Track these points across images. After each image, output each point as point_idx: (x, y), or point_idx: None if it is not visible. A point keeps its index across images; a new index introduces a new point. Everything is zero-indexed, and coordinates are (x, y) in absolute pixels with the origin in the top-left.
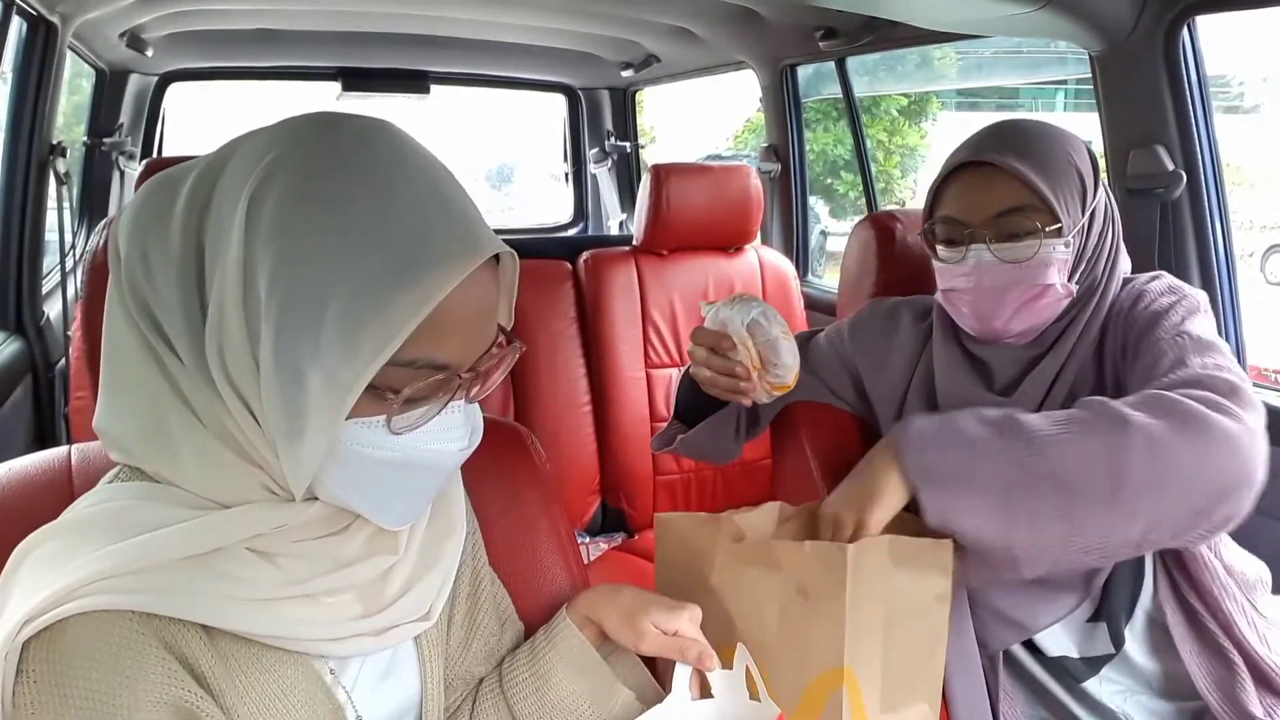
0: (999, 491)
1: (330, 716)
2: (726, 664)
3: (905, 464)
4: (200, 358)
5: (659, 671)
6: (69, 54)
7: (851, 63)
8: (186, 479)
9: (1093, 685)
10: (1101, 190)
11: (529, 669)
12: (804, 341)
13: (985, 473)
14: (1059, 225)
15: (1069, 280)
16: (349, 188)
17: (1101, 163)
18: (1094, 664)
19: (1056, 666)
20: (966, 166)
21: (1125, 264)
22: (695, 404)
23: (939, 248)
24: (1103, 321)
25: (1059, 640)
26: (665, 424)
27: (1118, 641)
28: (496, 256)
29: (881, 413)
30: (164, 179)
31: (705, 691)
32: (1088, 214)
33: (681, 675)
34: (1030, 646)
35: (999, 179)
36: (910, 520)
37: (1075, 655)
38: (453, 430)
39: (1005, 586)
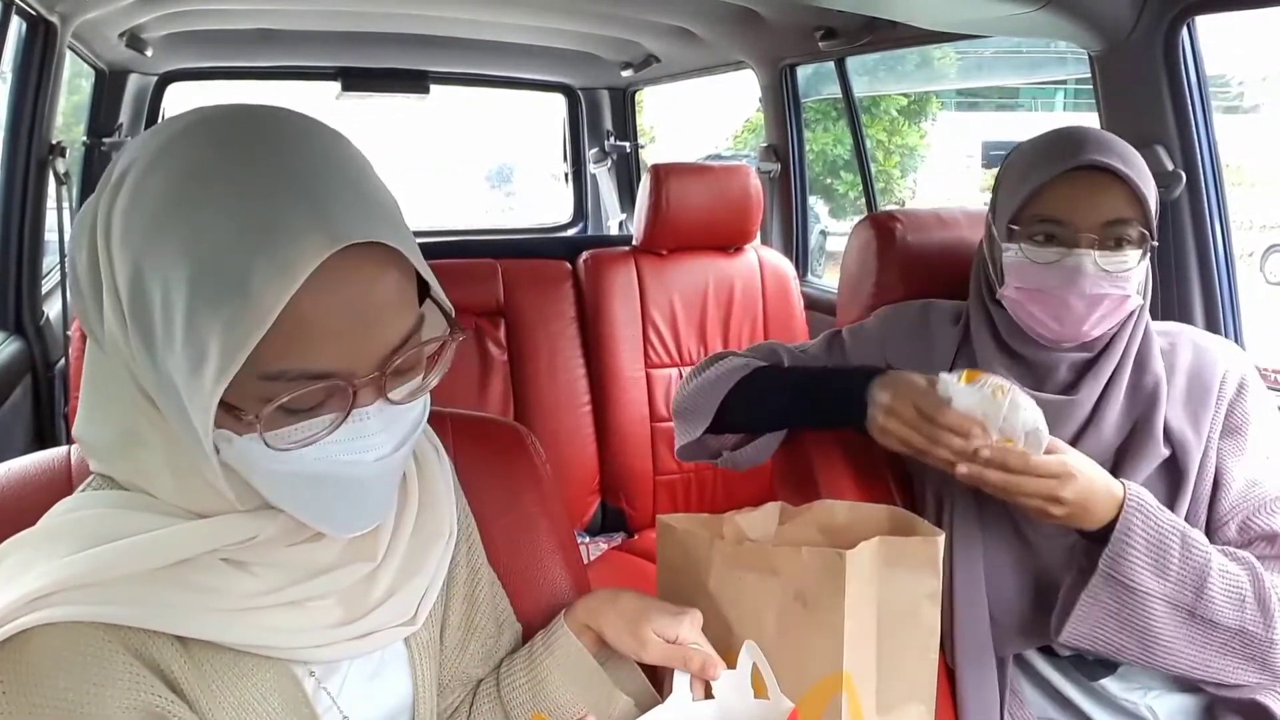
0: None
1: None
2: (729, 665)
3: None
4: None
5: (658, 675)
6: (69, 54)
7: (851, 62)
8: (160, 488)
9: (1108, 682)
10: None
11: (526, 674)
12: (823, 352)
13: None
14: (1152, 241)
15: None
16: (183, 178)
17: None
18: (1110, 665)
19: (1068, 666)
20: (1079, 168)
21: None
22: (744, 412)
23: (1026, 245)
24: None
25: None
26: (666, 424)
27: None
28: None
29: None
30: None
31: (707, 692)
32: (1155, 223)
33: (682, 675)
34: (1042, 647)
35: (1113, 187)
36: (902, 516)
37: (1090, 656)
38: (366, 439)
39: (1027, 602)
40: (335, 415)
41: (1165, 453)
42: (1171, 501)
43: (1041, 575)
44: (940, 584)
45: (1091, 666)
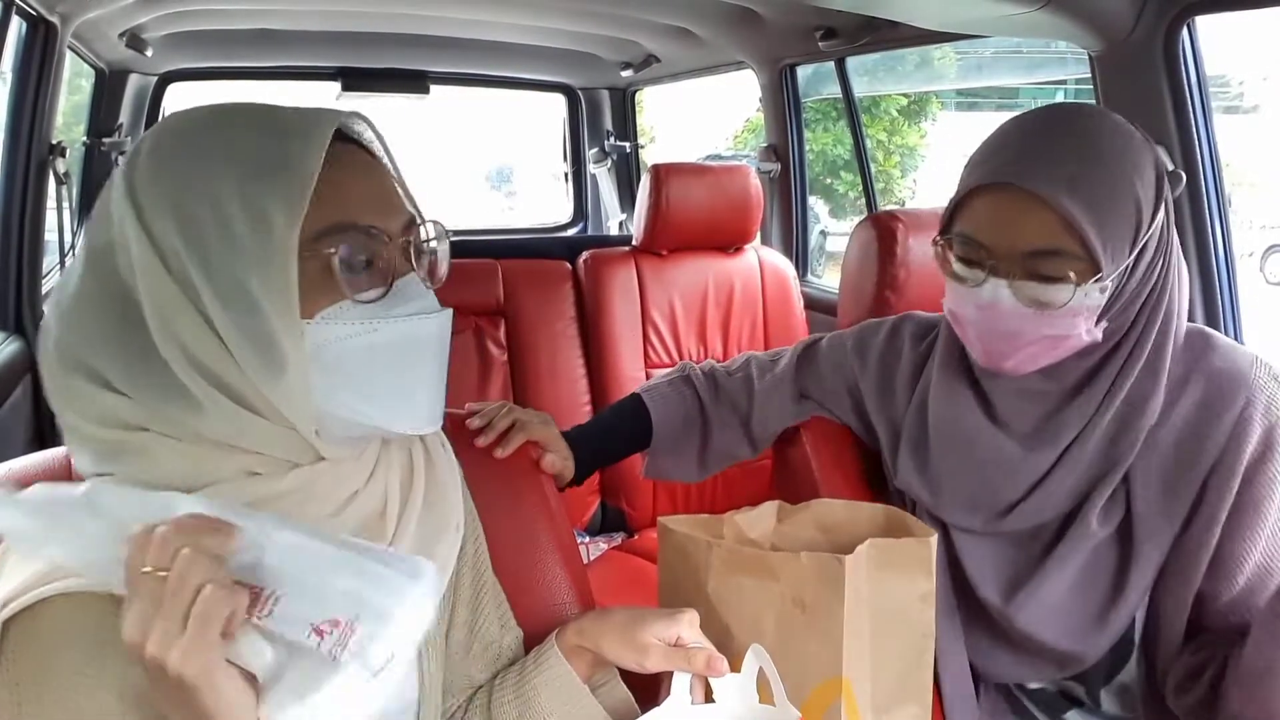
0: None
1: None
2: (733, 669)
3: None
4: (140, 377)
5: (656, 697)
6: (69, 54)
7: (851, 63)
8: (165, 469)
9: (1073, 715)
10: (1162, 213)
11: (515, 691)
12: (805, 359)
13: None
14: (1099, 275)
15: (1097, 324)
16: (197, 128)
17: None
18: (1074, 701)
19: (1036, 697)
20: (1004, 184)
21: (1183, 294)
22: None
23: (954, 264)
24: (1173, 370)
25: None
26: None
27: (1095, 700)
28: (359, 144)
29: (883, 438)
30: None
31: (708, 695)
32: (1136, 251)
33: (680, 677)
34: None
35: (1037, 210)
36: (896, 515)
37: (1052, 690)
38: (418, 300)
39: (991, 652)
40: (379, 271)
41: (1101, 533)
42: (1123, 581)
43: (988, 623)
44: (933, 585)
45: (1052, 699)
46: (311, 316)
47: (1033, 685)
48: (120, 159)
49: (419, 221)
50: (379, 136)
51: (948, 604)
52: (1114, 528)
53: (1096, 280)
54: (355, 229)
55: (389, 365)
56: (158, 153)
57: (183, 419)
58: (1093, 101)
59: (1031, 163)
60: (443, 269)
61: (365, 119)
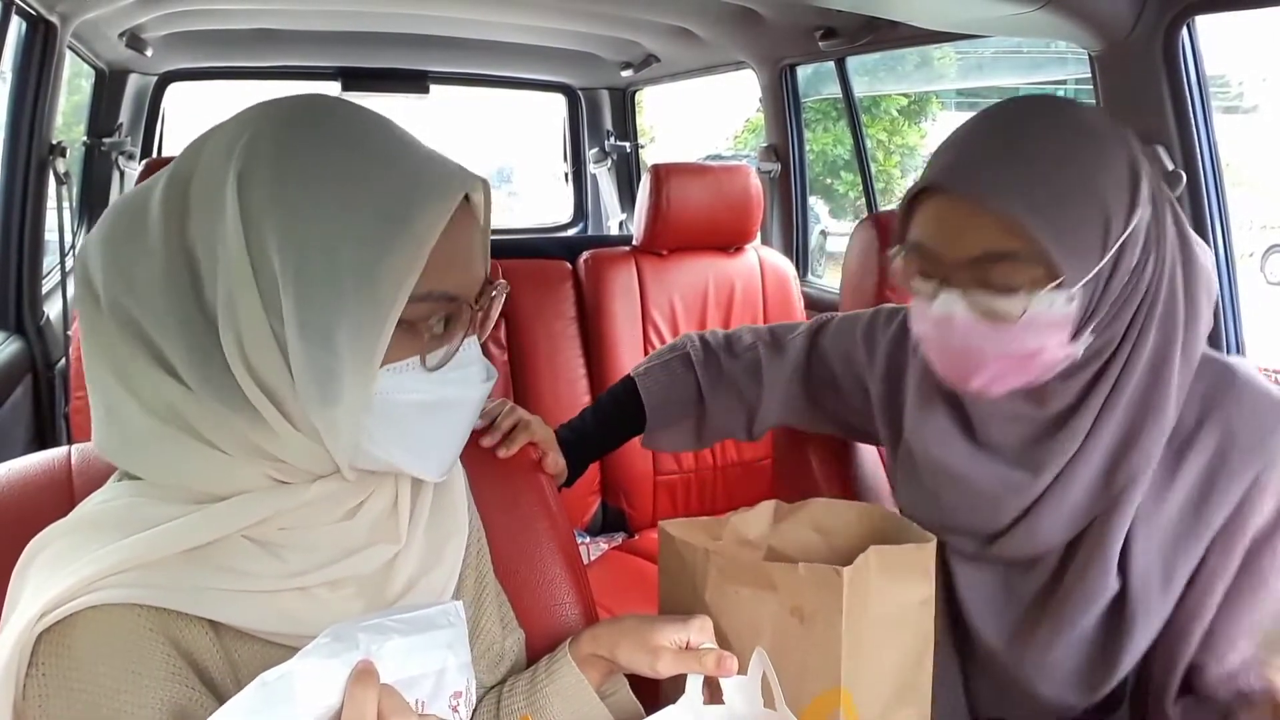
0: None
1: None
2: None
3: None
4: (198, 368)
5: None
6: (69, 54)
7: (851, 62)
8: (188, 475)
9: None
10: (1143, 211)
11: (526, 699)
12: (814, 349)
13: None
14: (1059, 280)
15: (1073, 338)
16: (326, 151)
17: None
18: None
19: None
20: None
21: (1197, 299)
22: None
23: (912, 278)
24: (1191, 406)
25: None
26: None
27: None
28: (467, 198)
29: (886, 445)
30: (122, 206)
31: (718, 697)
32: (1112, 253)
33: (694, 678)
34: None
35: (979, 214)
36: (894, 519)
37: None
38: (472, 367)
39: (977, 687)
40: (453, 340)
41: (1113, 589)
42: (1114, 653)
43: (983, 659)
44: (933, 590)
45: None
46: (380, 365)
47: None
48: (220, 153)
49: (490, 281)
50: (487, 194)
51: (943, 636)
52: (1112, 580)
53: (1057, 287)
54: (446, 298)
55: (432, 421)
56: (279, 165)
57: (233, 422)
58: (1093, 102)
59: (975, 164)
60: (491, 323)
61: (485, 182)
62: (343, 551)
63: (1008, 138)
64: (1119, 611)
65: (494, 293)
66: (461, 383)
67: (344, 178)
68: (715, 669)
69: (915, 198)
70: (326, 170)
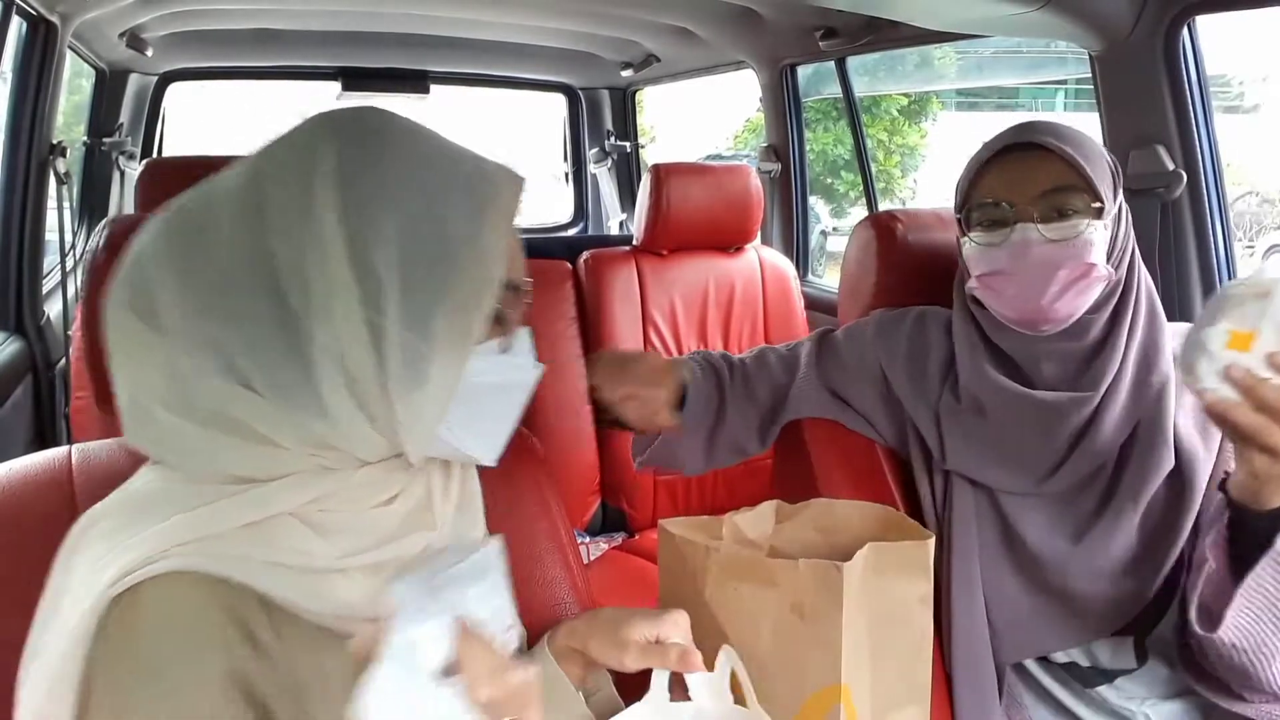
0: None
1: None
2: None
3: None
4: (273, 372)
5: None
6: (69, 54)
7: (851, 62)
8: (238, 471)
9: (1104, 690)
10: (1121, 197)
11: None
12: (824, 351)
13: None
14: (1100, 205)
15: (1107, 262)
16: (415, 141)
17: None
18: (1108, 674)
19: (1064, 674)
20: (1010, 150)
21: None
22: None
23: (976, 233)
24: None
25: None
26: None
27: (1141, 657)
28: None
29: (922, 424)
30: (177, 224)
31: (686, 694)
32: (1117, 204)
33: (660, 675)
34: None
35: (1045, 160)
36: (894, 516)
37: (1085, 664)
38: (531, 353)
39: (1030, 612)
40: (515, 325)
41: (1171, 463)
42: (1176, 519)
43: (1042, 583)
44: (931, 587)
45: (1087, 673)
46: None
47: (1061, 659)
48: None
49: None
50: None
51: (1007, 574)
52: (1170, 455)
53: (1098, 215)
54: (512, 286)
55: (498, 403)
56: (375, 155)
57: (298, 418)
58: (1093, 102)
59: (1037, 130)
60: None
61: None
62: (382, 537)
63: (1043, 122)
64: (1177, 477)
65: (528, 288)
66: (525, 367)
67: (434, 163)
68: (678, 665)
69: (981, 167)
70: (416, 158)
